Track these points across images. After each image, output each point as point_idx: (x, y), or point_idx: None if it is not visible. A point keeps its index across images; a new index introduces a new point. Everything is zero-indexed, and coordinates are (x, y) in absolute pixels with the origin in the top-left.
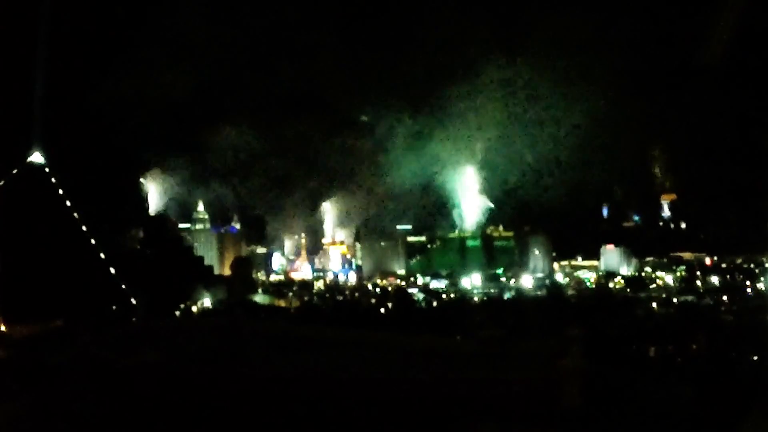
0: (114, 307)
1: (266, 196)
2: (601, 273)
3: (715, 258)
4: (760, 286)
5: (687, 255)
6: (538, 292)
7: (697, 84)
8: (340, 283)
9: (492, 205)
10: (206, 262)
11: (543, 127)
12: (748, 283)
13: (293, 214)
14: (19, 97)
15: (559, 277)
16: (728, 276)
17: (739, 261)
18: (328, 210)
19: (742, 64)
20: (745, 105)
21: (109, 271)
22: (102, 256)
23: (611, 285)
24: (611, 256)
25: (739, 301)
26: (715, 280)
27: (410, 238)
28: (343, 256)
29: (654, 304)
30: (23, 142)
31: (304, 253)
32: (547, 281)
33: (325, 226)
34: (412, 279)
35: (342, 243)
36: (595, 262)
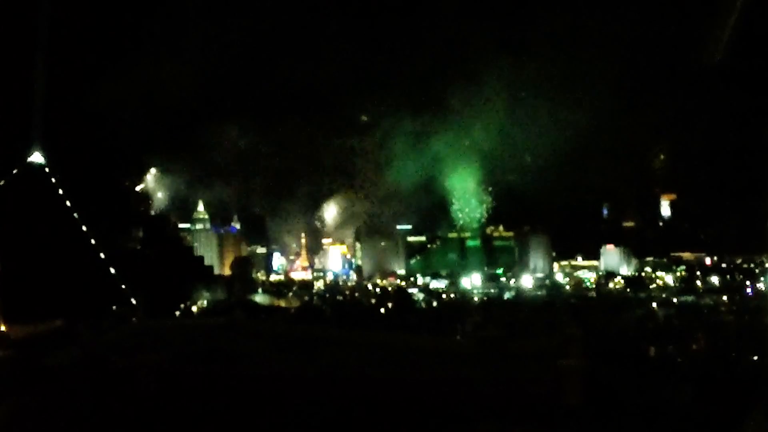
0: (114, 307)
1: (266, 196)
2: (601, 273)
3: (715, 258)
4: (760, 286)
5: (687, 255)
6: (538, 292)
7: (698, 84)
8: (340, 283)
9: (492, 205)
10: (206, 262)
11: (543, 127)
12: (748, 283)
13: (293, 214)
14: (19, 97)
15: (559, 277)
16: (728, 276)
17: (739, 261)
18: (328, 210)
19: (742, 64)
20: (745, 105)
21: (109, 271)
22: (102, 256)
23: (611, 285)
24: (611, 256)
25: (739, 301)
26: (715, 280)
27: (410, 238)
28: (343, 256)
29: (654, 304)
30: (23, 142)
31: (304, 253)
32: (547, 281)
33: (325, 226)
34: (412, 279)
35: (342, 243)
36: (595, 262)
